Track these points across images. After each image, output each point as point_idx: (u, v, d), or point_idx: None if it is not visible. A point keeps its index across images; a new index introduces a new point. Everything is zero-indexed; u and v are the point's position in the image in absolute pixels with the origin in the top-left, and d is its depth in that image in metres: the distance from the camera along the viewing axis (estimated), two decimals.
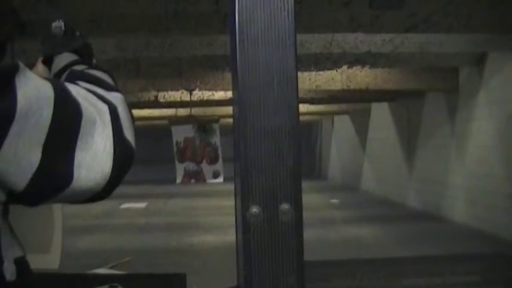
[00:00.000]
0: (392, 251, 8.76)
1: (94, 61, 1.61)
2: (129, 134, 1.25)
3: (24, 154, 1.11)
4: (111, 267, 7.63)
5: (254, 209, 1.09)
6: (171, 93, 12.21)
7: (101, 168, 1.19)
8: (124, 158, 1.23)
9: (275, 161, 1.10)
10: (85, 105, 1.20)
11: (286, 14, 1.09)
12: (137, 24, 6.53)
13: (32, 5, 5.30)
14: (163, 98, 12.42)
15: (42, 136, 1.12)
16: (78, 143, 1.17)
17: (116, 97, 1.28)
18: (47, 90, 1.15)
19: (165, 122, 14.90)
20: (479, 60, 10.23)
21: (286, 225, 1.09)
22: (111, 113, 1.23)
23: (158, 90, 11.84)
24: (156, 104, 12.70)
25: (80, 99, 1.20)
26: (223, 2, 5.83)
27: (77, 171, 1.16)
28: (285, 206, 1.09)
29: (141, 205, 15.99)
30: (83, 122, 1.17)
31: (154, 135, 22.36)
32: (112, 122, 1.22)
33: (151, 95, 12.14)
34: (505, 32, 7.33)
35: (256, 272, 1.08)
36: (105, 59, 7.46)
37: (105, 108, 1.23)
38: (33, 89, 1.13)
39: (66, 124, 1.16)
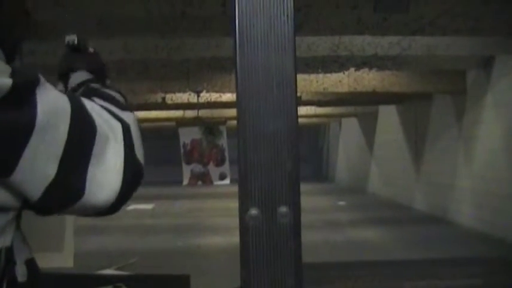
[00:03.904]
0: (398, 253, 8.75)
1: (108, 81, 1.65)
2: (139, 153, 1.29)
3: (41, 166, 1.15)
4: (118, 268, 7.65)
5: (253, 211, 1.11)
6: (178, 95, 12.24)
7: (110, 185, 1.22)
8: (133, 176, 1.26)
9: (274, 164, 1.11)
10: (99, 121, 1.23)
11: (285, 18, 1.11)
12: (145, 26, 6.55)
13: (40, 5, 5.32)
14: (171, 99, 12.45)
15: (59, 149, 1.16)
16: (91, 159, 1.20)
17: (129, 116, 1.32)
18: (64, 104, 1.18)
19: (172, 123, 14.91)
20: (486, 63, 10.22)
21: (285, 227, 1.10)
22: (124, 131, 1.27)
23: (165, 92, 11.86)
24: (163, 105, 12.73)
25: (94, 114, 1.23)
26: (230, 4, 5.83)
27: (88, 187, 1.19)
28: (283, 209, 1.11)
29: (148, 206, 16.01)
30: (96, 138, 1.21)
31: (162, 137, 22.42)
32: (124, 140, 1.26)
33: (158, 96, 12.16)
34: None
35: (254, 273, 1.10)
36: (113, 60, 7.49)
37: (118, 126, 1.26)
38: (52, 103, 1.16)
39: (81, 139, 1.19)
